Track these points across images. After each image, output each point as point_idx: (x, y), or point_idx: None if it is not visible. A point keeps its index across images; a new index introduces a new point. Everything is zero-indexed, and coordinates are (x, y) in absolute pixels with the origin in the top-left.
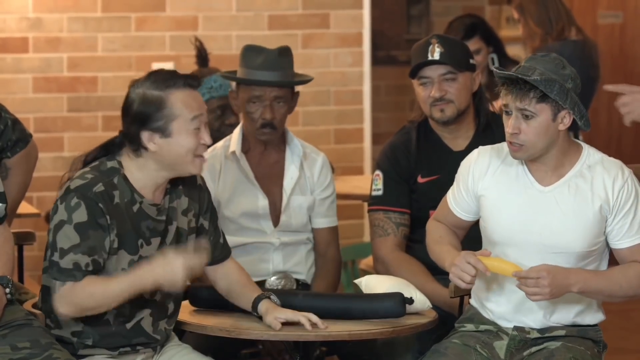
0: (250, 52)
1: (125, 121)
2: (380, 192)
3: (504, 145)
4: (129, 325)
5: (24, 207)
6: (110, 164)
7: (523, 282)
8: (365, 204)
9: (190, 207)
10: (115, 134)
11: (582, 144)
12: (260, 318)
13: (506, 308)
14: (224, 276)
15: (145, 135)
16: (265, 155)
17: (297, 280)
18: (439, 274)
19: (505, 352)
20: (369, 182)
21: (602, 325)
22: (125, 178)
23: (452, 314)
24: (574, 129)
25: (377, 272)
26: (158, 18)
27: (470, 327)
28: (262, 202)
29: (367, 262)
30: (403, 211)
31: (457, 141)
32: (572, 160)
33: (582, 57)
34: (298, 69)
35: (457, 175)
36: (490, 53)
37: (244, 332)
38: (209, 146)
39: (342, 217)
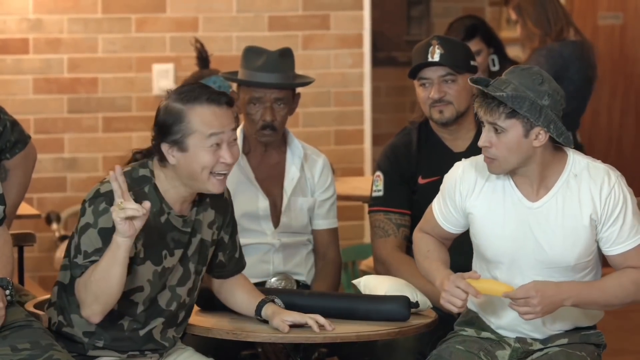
0: (251, 54)
1: (153, 131)
2: (380, 193)
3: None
4: (141, 332)
5: (24, 208)
6: (142, 171)
7: (514, 303)
8: (366, 205)
9: (216, 219)
10: (115, 135)
11: (568, 150)
12: (263, 322)
13: (505, 320)
14: (229, 289)
15: (165, 147)
16: (266, 157)
17: (298, 282)
18: None
19: None
20: (370, 183)
21: (601, 326)
22: (155, 188)
23: (452, 314)
24: (572, 129)
25: (378, 273)
26: (158, 19)
27: (471, 331)
28: (263, 203)
29: (367, 263)
30: (403, 212)
31: (458, 142)
32: (557, 170)
33: (581, 58)
34: (298, 70)
35: (442, 188)
36: (491, 54)
37: (251, 334)
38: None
39: (342, 218)
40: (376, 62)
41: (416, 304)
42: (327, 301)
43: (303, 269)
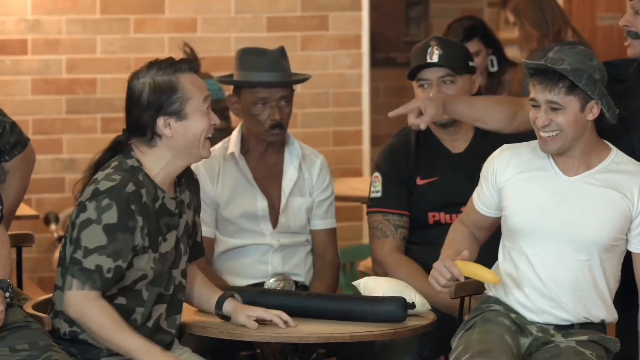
0: (250, 55)
1: (135, 112)
2: (379, 194)
3: (528, 143)
4: (149, 323)
5: (23, 209)
6: (130, 162)
7: None
8: (364, 206)
9: (192, 201)
10: (113, 136)
11: (612, 145)
12: (224, 318)
13: (533, 303)
14: (191, 276)
15: (160, 122)
16: (265, 157)
17: (296, 282)
18: None
19: (526, 350)
20: (368, 184)
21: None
22: (146, 175)
23: (452, 315)
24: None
25: (376, 274)
26: (157, 20)
27: (500, 308)
28: (261, 204)
29: (365, 264)
30: (402, 213)
31: (456, 143)
32: (600, 156)
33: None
34: (296, 70)
35: (481, 173)
36: (490, 55)
37: (245, 334)
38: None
39: (340, 219)
40: (375, 62)
41: (412, 305)
42: (324, 302)
43: (302, 269)
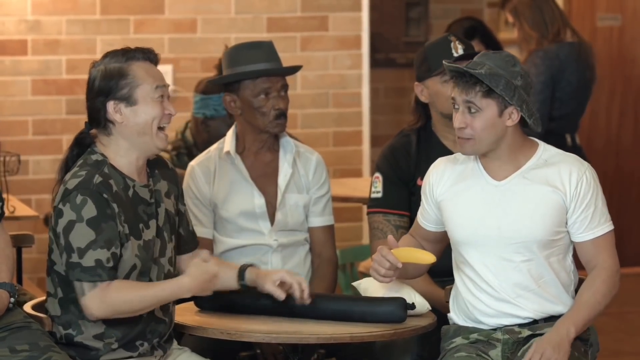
0: (244, 49)
1: (89, 100)
2: (379, 195)
3: (458, 154)
4: (144, 314)
5: (23, 210)
6: (94, 157)
7: None
8: (364, 207)
9: (170, 190)
10: None
11: (539, 141)
12: (248, 288)
13: (492, 309)
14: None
15: (110, 106)
16: (260, 155)
17: None
18: (438, 276)
19: (502, 358)
20: (368, 184)
21: (598, 328)
22: (112, 166)
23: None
24: (570, 131)
25: None
26: (157, 20)
27: (459, 340)
28: (259, 201)
29: (365, 264)
30: (402, 214)
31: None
32: (527, 155)
33: (578, 59)
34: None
35: (421, 189)
36: None
37: (245, 334)
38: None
39: (340, 219)
40: (375, 63)
41: (412, 306)
42: (324, 303)
43: (302, 269)
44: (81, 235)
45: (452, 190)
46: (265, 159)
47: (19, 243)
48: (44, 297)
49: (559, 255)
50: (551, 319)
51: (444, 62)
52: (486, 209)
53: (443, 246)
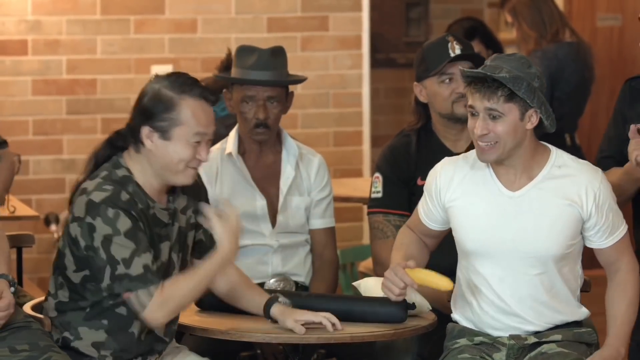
0: (244, 52)
1: (133, 112)
2: (379, 195)
3: (468, 154)
4: (147, 334)
5: (23, 210)
6: (120, 172)
7: None
8: (365, 207)
9: (189, 204)
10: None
11: (550, 146)
12: (273, 321)
13: (497, 321)
14: (223, 275)
15: (145, 131)
16: (262, 157)
17: (296, 283)
18: None
19: None
20: (368, 184)
21: (599, 329)
22: (137, 185)
23: (447, 314)
24: (570, 131)
25: (377, 275)
26: (157, 21)
27: (463, 341)
28: (260, 203)
29: (366, 264)
30: (403, 213)
31: (459, 143)
32: (540, 162)
33: (577, 59)
34: (297, 71)
35: (424, 187)
36: (490, 56)
37: (245, 334)
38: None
39: (341, 219)
40: (375, 63)
41: (413, 306)
42: (324, 303)
43: (302, 270)
44: (123, 247)
45: (462, 198)
46: (268, 161)
47: (20, 243)
48: (43, 298)
49: (570, 265)
50: (556, 327)
51: (460, 69)
52: (500, 221)
53: (439, 241)
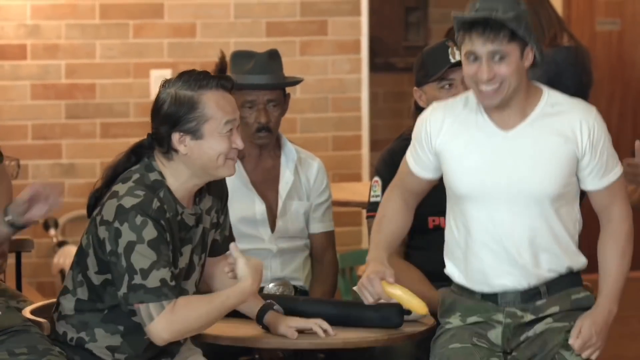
0: (240, 58)
1: (155, 122)
2: (378, 199)
3: (457, 97)
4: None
5: None
6: (152, 176)
7: (579, 350)
8: (364, 211)
9: (214, 204)
10: (112, 141)
11: (542, 85)
12: (264, 329)
13: (492, 268)
14: (221, 270)
15: (175, 137)
16: (261, 161)
17: (295, 287)
18: (437, 281)
19: (502, 339)
20: (367, 188)
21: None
22: (169, 190)
23: None
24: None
25: None
26: (156, 25)
27: (456, 321)
28: (259, 207)
29: (365, 269)
30: None
31: None
32: (533, 101)
33: (575, 64)
34: (296, 75)
35: (413, 135)
36: None
37: (239, 339)
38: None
39: (340, 224)
40: (374, 67)
41: (408, 311)
42: (320, 308)
43: (301, 274)
44: (143, 257)
45: (454, 140)
46: (267, 165)
47: (18, 248)
48: (44, 302)
49: (567, 206)
50: (554, 287)
51: (452, 14)
52: (494, 161)
53: (421, 198)
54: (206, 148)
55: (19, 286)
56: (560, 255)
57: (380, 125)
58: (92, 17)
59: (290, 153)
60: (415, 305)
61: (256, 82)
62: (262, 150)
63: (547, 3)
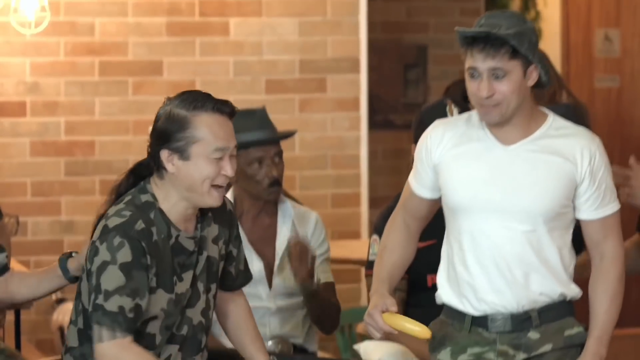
0: (239, 117)
1: (150, 138)
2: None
3: (460, 116)
4: None
5: None
6: (144, 197)
7: None
8: (362, 269)
9: (221, 234)
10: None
11: (548, 110)
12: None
13: (482, 286)
14: (235, 308)
15: (164, 154)
16: (259, 219)
17: (294, 345)
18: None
19: None
20: (366, 246)
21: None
22: (161, 212)
23: None
24: None
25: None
26: (155, 82)
27: (446, 357)
28: (257, 266)
29: (364, 326)
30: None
31: None
32: (538, 122)
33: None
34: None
35: (415, 153)
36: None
37: None
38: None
39: (338, 281)
40: (373, 125)
41: None
42: None
43: (300, 332)
44: (111, 278)
45: (452, 151)
46: (264, 223)
47: (18, 305)
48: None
49: (561, 230)
50: (546, 313)
51: (456, 29)
52: (491, 173)
53: (425, 223)
54: (192, 170)
55: (18, 343)
56: (551, 279)
57: (379, 183)
58: (92, 74)
59: (287, 209)
60: (418, 331)
61: (264, 137)
62: (261, 208)
63: (546, 60)
